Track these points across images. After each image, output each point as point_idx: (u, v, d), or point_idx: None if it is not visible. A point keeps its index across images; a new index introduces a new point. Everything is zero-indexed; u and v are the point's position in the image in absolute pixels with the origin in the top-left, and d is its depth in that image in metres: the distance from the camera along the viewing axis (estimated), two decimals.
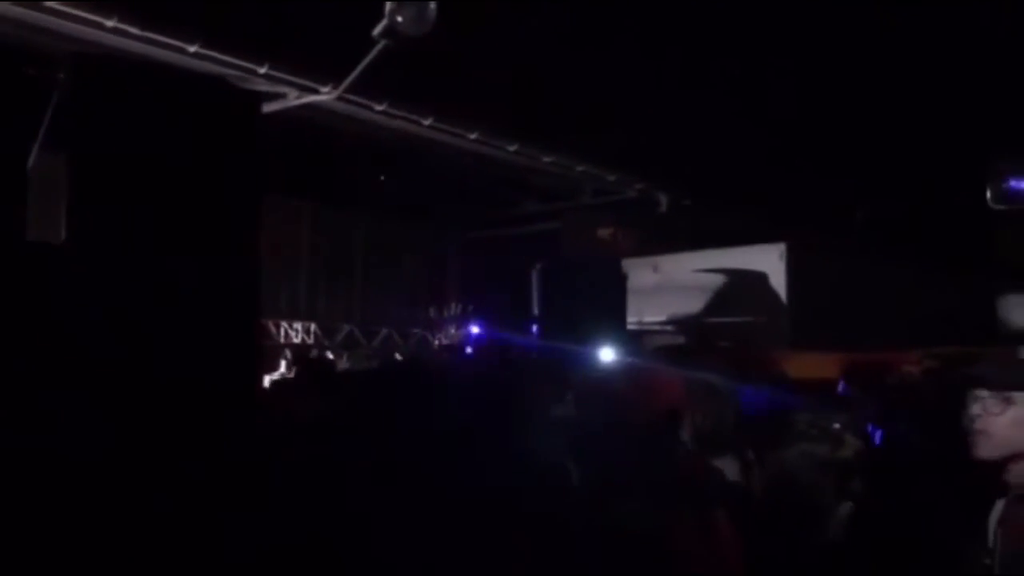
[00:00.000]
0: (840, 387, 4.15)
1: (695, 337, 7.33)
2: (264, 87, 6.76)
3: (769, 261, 7.71)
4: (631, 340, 6.54)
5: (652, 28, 7.02)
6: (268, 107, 6.95)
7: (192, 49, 6.14)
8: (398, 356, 8.77)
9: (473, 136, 8.35)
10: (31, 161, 6.05)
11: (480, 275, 10.63)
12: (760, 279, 7.77)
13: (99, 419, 2.34)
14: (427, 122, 7.93)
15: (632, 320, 7.00)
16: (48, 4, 5.55)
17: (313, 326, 9.56)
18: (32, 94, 6.20)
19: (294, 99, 7.07)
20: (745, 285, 7.90)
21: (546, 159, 9.13)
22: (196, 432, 2.45)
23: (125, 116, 5.24)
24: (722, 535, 2.19)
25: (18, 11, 5.54)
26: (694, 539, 2.14)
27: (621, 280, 6.78)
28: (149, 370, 2.79)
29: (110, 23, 5.76)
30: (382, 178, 9.53)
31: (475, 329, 8.40)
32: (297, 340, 9.28)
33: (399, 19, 5.88)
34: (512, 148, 8.74)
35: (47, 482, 2.08)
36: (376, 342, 9.98)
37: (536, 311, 6.57)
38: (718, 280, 7.99)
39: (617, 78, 7.45)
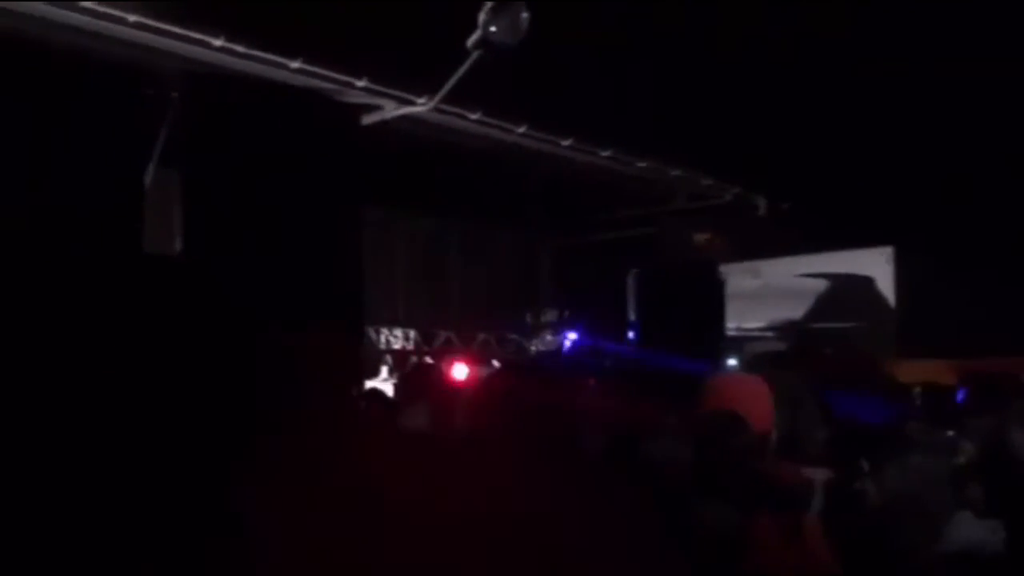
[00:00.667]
0: (959, 395, 4.00)
1: (797, 343, 7.16)
2: (363, 100, 6.93)
3: (876, 265, 7.48)
4: (730, 346, 6.42)
5: (745, 27, 6.90)
6: (366, 119, 7.11)
7: (294, 65, 6.34)
8: (495, 363, 8.84)
9: (566, 143, 8.35)
10: (148, 177, 6.32)
11: (575, 281, 10.62)
12: (866, 283, 7.54)
13: (213, 425, 2.42)
14: (520, 130, 7.97)
15: (731, 326, 6.89)
16: (160, 26, 5.82)
17: (412, 332, 9.72)
18: (148, 113, 6.51)
19: (391, 111, 7.22)
20: (850, 289, 7.68)
21: (640, 164, 9.06)
22: (305, 438, 2.51)
23: (234, 132, 5.45)
24: (810, 541, 2.15)
25: (132, 33, 5.82)
26: (777, 543, 2.10)
27: (719, 285, 6.68)
28: (260, 378, 2.87)
29: (218, 43, 6.00)
30: (476, 187, 9.63)
31: (571, 336, 8.39)
32: (397, 346, 9.45)
33: (492, 29, 5.94)
34: (605, 154, 8.71)
35: (165, 487, 2.17)
36: (473, 347, 10.07)
37: (632, 317, 6.52)
38: (822, 285, 7.79)
39: (711, 81, 7.35)
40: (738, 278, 7.52)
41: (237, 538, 1.88)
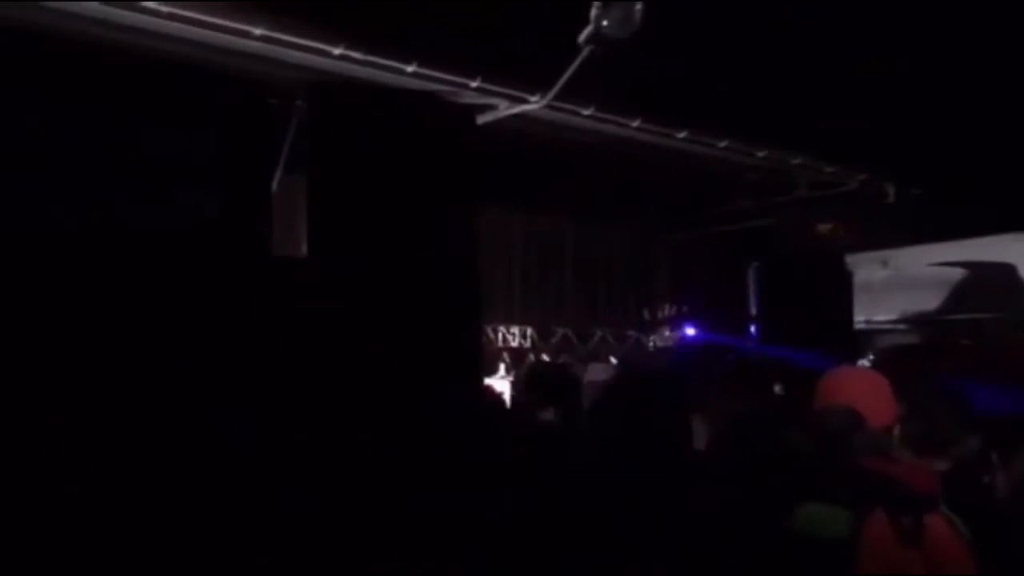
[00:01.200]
0: None
1: (932, 335, 6.82)
2: (477, 100, 7.00)
3: (1018, 251, 7.03)
4: (859, 341, 6.18)
5: (864, 8, 6.61)
6: (480, 119, 7.18)
7: (410, 69, 6.47)
8: (612, 359, 8.80)
9: (682, 135, 8.21)
10: (275, 184, 6.56)
11: (693, 276, 10.44)
12: (1006, 271, 7.11)
13: (338, 421, 2.49)
14: (635, 124, 7.88)
15: (859, 319, 6.62)
16: (284, 38, 6.04)
17: (529, 330, 9.77)
18: (274, 122, 6.76)
19: (504, 110, 7.26)
20: (987, 278, 7.25)
21: (759, 154, 8.82)
22: (426, 434, 2.56)
23: (356, 137, 5.61)
24: (935, 544, 2.03)
25: (256, 46, 6.07)
26: (893, 546, 2.00)
27: (846, 277, 6.42)
28: (385, 376, 2.93)
29: (337, 51, 6.19)
30: (590, 182, 9.59)
31: (690, 331, 8.25)
32: (514, 344, 9.52)
33: (605, 23, 5.90)
34: (722, 144, 8.52)
35: (285, 480, 2.25)
36: (591, 345, 10.04)
37: (754, 311, 6.36)
38: (958, 274, 7.39)
39: (831, 63, 7.08)
40: (866, 269, 7.21)
41: (375, 531, 1.93)
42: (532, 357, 9.16)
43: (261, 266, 5.79)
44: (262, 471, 2.39)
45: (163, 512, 2.15)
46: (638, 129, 7.95)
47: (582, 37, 6.14)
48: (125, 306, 4.56)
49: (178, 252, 5.73)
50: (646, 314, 10.22)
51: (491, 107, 7.21)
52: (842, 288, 6.30)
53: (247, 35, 5.91)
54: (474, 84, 6.86)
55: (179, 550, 2.12)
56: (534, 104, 7.20)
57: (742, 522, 1.98)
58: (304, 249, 5.66)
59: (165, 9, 5.57)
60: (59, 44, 5.60)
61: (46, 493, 2.24)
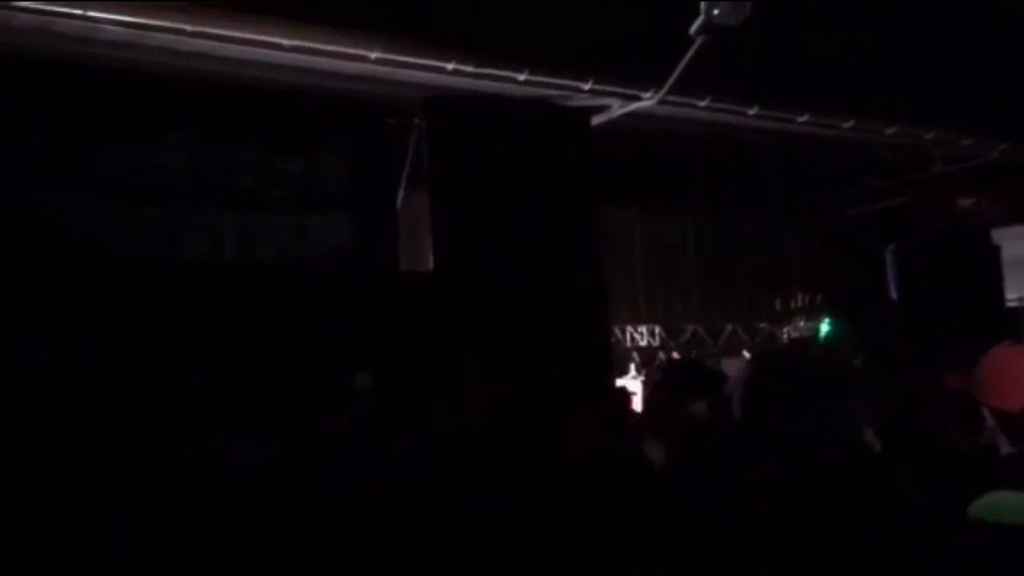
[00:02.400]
0: None
1: None
2: (590, 102, 6.99)
3: None
4: (1012, 319, 5.81)
5: None
6: (595, 120, 7.17)
7: (522, 77, 6.52)
8: (746, 353, 8.59)
9: (803, 118, 7.95)
10: (399, 201, 6.77)
11: (824, 262, 10.08)
12: None
13: (471, 431, 2.51)
14: (752, 111, 7.69)
15: (1011, 297, 6.22)
16: (397, 58, 6.20)
17: (657, 328, 9.66)
18: (394, 141, 6.95)
19: (618, 109, 7.22)
20: None
21: (888, 131, 8.43)
22: (561, 435, 2.55)
23: (474, 149, 5.70)
24: None
25: (373, 69, 6.24)
26: None
27: (993, 253, 6.06)
28: (516, 383, 2.96)
29: (450, 66, 6.30)
30: (709, 174, 9.42)
31: (826, 321, 7.96)
32: (643, 343, 9.43)
33: (716, 12, 5.79)
34: (847, 124, 8.19)
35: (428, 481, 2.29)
36: (721, 340, 9.84)
37: (894, 295, 6.07)
38: None
39: (960, 30, 6.69)
40: (1015, 243, 6.77)
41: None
42: (662, 356, 9.04)
43: (389, 282, 5.97)
44: (395, 479, 2.45)
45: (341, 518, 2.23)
46: (756, 116, 7.75)
47: (693, 28, 6.04)
48: (269, 329, 4.77)
49: (314, 276, 5.97)
50: (777, 305, 9.92)
51: (604, 108, 7.19)
52: (990, 265, 5.95)
53: (363, 59, 6.10)
54: (586, 86, 6.85)
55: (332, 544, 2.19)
56: (647, 101, 7.13)
57: (917, 513, 1.89)
58: (430, 263, 5.81)
59: (287, 43, 5.81)
60: (194, 86, 5.94)
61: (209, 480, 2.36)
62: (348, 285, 5.58)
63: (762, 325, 10.12)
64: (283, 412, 2.76)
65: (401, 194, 6.17)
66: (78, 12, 5.31)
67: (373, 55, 6.09)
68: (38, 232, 5.20)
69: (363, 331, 4.93)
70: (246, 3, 5.61)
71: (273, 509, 2.30)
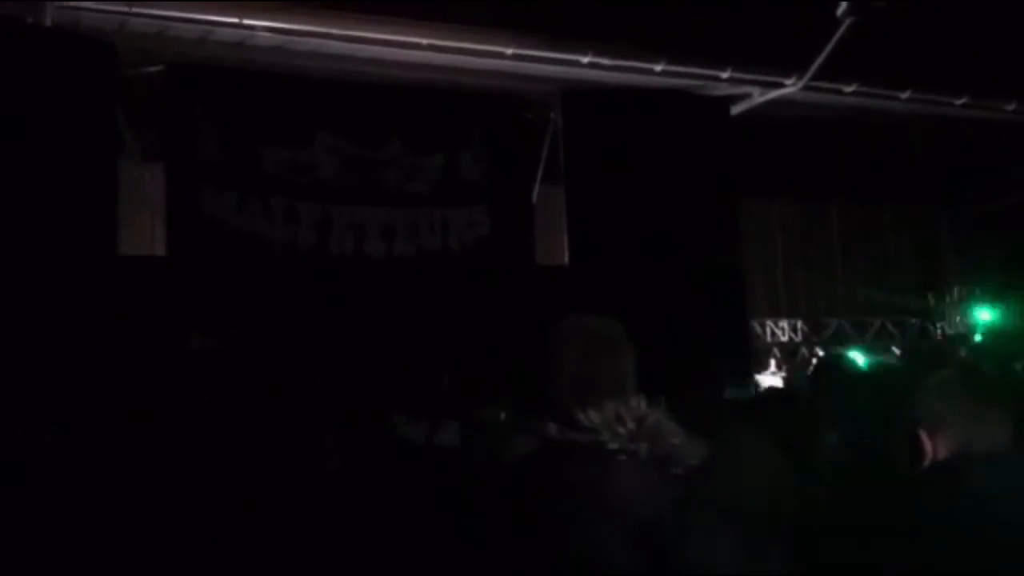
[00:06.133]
0: None
1: None
2: (729, 91, 6.85)
3: None
4: None
5: None
6: (734, 109, 7.01)
7: (658, 68, 6.44)
8: (895, 350, 8.19)
9: (960, 101, 7.52)
10: (534, 195, 6.81)
11: (981, 253, 9.47)
12: None
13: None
14: (904, 95, 7.34)
15: None
16: (532, 53, 6.25)
17: (799, 323, 9.34)
18: (530, 135, 7.00)
19: (758, 97, 7.04)
20: None
21: None
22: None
23: (610, 142, 5.68)
24: None
25: (509, 65, 6.33)
26: None
27: None
28: (653, 379, 2.95)
29: (585, 60, 6.30)
30: (857, 163, 9.02)
31: (984, 315, 7.50)
32: (784, 338, 9.14)
33: None
34: (1010, 107, 7.69)
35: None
36: (868, 335, 9.41)
37: None
38: None
39: None
40: None
41: None
42: (804, 351, 8.74)
43: (527, 276, 6.05)
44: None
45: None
46: (909, 100, 7.39)
47: (840, 10, 5.81)
48: (416, 319, 4.92)
49: (452, 269, 6.12)
50: (931, 299, 9.40)
51: (744, 96, 7.02)
52: None
53: (500, 56, 6.19)
54: (725, 75, 6.70)
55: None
56: (790, 87, 6.92)
57: None
58: (566, 257, 5.84)
59: (426, 42, 5.96)
60: (340, 87, 6.19)
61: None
62: (485, 278, 5.69)
63: (913, 320, 9.62)
64: (428, 400, 2.85)
65: (537, 188, 6.22)
66: (234, 20, 5.63)
67: (509, 51, 6.16)
68: (205, 228, 5.54)
69: (500, 323, 5.02)
70: (388, 6, 5.80)
71: (433, 485, 2.38)
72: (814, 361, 7.62)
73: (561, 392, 1.45)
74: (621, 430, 1.38)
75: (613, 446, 1.37)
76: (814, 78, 6.79)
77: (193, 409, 3.62)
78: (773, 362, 8.04)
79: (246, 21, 5.63)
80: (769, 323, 9.07)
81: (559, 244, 5.92)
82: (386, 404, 2.81)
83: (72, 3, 5.22)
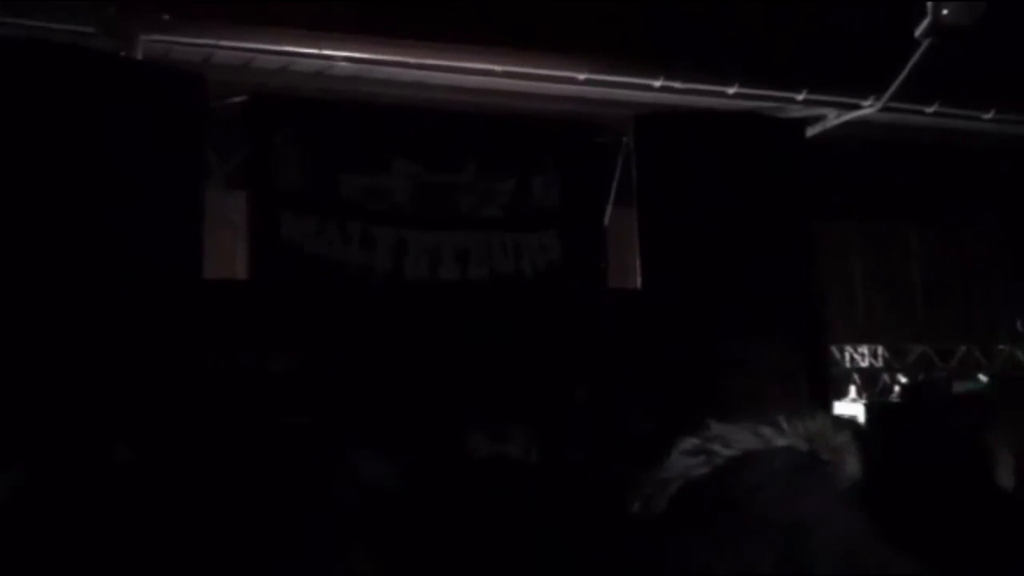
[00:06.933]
0: None
1: None
2: (804, 113, 6.77)
3: None
4: None
5: None
6: (810, 131, 6.92)
7: (731, 91, 6.41)
8: (982, 377, 7.91)
9: None
10: (607, 218, 6.82)
11: None
12: None
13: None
14: (988, 115, 7.15)
15: None
16: (605, 77, 6.29)
17: (880, 348, 9.11)
18: (602, 159, 7.02)
19: (834, 119, 6.94)
20: None
21: None
22: None
23: (682, 166, 5.67)
24: None
25: (582, 90, 6.38)
26: None
27: None
28: (725, 404, 2.93)
29: (658, 83, 6.32)
30: (936, 184, 8.79)
31: None
32: (864, 364, 8.93)
33: (945, 12, 5.44)
34: None
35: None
36: (953, 362, 9.12)
37: None
38: None
39: None
40: None
41: None
42: (886, 378, 8.51)
43: (599, 299, 6.05)
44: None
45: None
46: (992, 120, 7.19)
47: (919, 31, 5.71)
48: (483, 344, 4.98)
49: (525, 294, 6.15)
50: (1019, 325, 9.06)
51: (820, 118, 6.92)
52: None
53: (572, 80, 6.24)
54: (800, 97, 6.64)
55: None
56: (868, 109, 6.81)
57: None
58: (638, 280, 5.82)
59: (500, 68, 6.06)
60: (415, 113, 6.32)
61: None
62: (558, 302, 5.71)
63: (1001, 347, 9.28)
64: (507, 423, 2.87)
65: (609, 211, 6.23)
66: (314, 51, 5.82)
67: (581, 76, 6.22)
68: (284, 252, 5.69)
69: (573, 348, 5.03)
70: (461, 34, 5.92)
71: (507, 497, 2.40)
72: (895, 388, 7.43)
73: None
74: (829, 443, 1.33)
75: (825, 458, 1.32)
76: (893, 99, 6.67)
77: (274, 430, 3.72)
78: (853, 388, 7.85)
79: (325, 51, 5.82)
80: (848, 348, 8.86)
81: (632, 267, 5.92)
82: (462, 423, 2.84)
83: (162, 38, 5.47)
